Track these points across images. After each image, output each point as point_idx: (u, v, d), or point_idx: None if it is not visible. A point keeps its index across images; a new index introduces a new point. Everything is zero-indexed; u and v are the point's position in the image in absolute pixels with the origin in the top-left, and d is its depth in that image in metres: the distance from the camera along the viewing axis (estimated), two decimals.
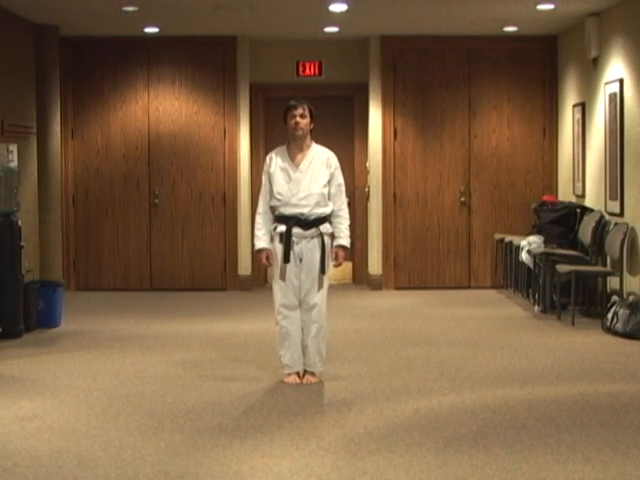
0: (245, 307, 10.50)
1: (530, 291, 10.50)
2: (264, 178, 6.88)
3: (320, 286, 6.73)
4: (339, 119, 12.23)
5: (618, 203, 9.49)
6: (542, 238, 10.36)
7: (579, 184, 10.81)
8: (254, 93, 11.93)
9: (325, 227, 6.77)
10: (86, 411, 6.00)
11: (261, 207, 6.86)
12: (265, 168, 6.88)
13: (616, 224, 9.46)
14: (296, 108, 6.75)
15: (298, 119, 6.73)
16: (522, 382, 6.77)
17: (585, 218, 10.14)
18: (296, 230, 6.69)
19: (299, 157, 6.79)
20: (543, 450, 5.12)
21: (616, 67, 9.67)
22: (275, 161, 6.82)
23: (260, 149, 11.90)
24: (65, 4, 9.77)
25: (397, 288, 11.77)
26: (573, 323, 9.10)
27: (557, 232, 10.36)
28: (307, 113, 6.76)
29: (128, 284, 11.79)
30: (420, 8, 9.97)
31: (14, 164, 9.73)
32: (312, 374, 6.80)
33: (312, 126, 6.82)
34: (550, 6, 9.75)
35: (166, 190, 11.79)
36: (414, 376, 6.99)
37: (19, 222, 8.78)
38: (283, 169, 6.77)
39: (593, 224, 9.74)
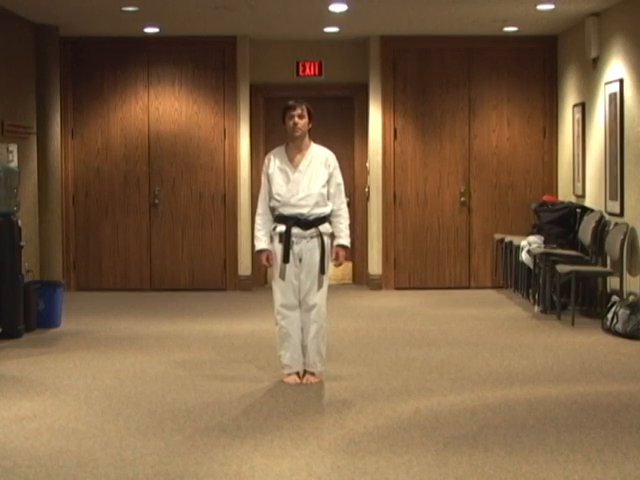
0: (245, 307, 10.50)
1: (530, 291, 10.50)
2: (263, 179, 6.88)
3: (320, 286, 6.73)
4: (339, 119, 12.22)
5: (618, 203, 9.49)
6: (542, 238, 10.36)
7: (579, 184, 10.81)
8: (254, 93, 11.93)
9: (324, 227, 6.76)
10: (86, 411, 6.00)
11: (260, 208, 6.86)
12: (264, 169, 6.88)
13: (616, 224, 9.45)
14: (294, 108, 6.74)
15: (296, 119, 6.72)
16: (522, 382, 6.77)
17: (585, 218, 10.13)
18: (295, 230, 6.69)
19: (298, 157, 6.78)
20: (543, 450, 5.12)
21: (616, 67, 9.67)
22: (274, 162, 6.81)
23: (260, 149, 11.90)
24: (65, 4, 9.77)
25: (397, 288, 11.77)
26: (573, 323, 9.10)
27: (557, 232, 10.36)
28: (305, 113, 6.75)
29: (128, 284, 11.79)
30: (420, 8, 9.97)
31: (14, 164, 9.73)
32: (312, 374, 6.79)
33: (310, 126, 6.81)
34: (550, 6, 9.75)
35: (166, 190, 11.79)
36: (414, 376, 6.99)
37: (19, 222, 8.79)
38: (282, 170, 6.77)
39: (593, 224, 9.74)
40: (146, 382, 6.83)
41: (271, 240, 6.78)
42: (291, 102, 6.79)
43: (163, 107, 11.77)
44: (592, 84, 10.40)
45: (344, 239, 6.83)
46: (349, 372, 7.12)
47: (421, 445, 5.23)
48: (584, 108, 10.65)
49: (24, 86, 10.55)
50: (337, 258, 6.84)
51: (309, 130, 6.81)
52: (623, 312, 8.50)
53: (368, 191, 11.89)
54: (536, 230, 10.67)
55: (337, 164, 6.87)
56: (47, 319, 9.08)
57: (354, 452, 5.12)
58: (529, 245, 10.32)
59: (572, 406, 6.06)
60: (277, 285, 6.78)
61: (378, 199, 11.75)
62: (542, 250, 10.00)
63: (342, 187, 6.87)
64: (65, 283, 10.36)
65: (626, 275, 9.21)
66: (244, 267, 11.82)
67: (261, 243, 6.80)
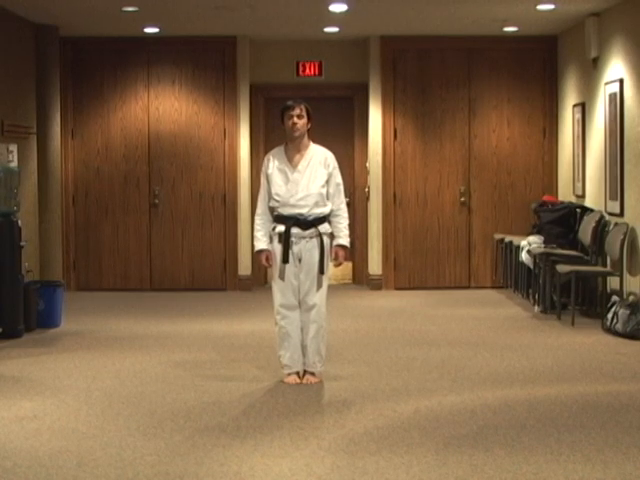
0: (245, 307, 10.50)
1: (530, 291, 10.50)
2: (262, 179, 6.88)
3: (319, 286, 6.73)
4: (339, 119, 12.23)
5: (618, 203, 9.49)
6: (542, 238, 10.36)
7: (579, 184, 10.81)
8: (254, 93, 11.93)
9: (324, 227, 6.76)
10: (86, 411, 6.00)
11: (260, 208, 6.86)
12: (263, 169, 6.88)
13: (616, 224, 9.45)
14: (293, 108, 6.73)
15: (295, 119, 6.71)
16: (522, 382, 6.77)
17: (585, 218, 10.13)
18: (295, 230, 6.69)
19: (297, 157, 6.78)
20: (543, 450, 5.12)
21: (616, 67, 9.67)
22: (273, 162, 6.81)
23: (260, 149, 11.89)
24: (65, 4, 9.77)
25: (397, 288, 11.77)
26: (573, 323, 9.10)
27: (557, 232, 10.36)
28: (304, 113, 6.75)
29: (128, 284, 11.79)
30: (420, 8, 9.97)
31: (14, 164, 9.73)
32: (312, 374, 6.79)
33: (309, 126, 6.80)
34: (550, 6, 9.75)
35: (166, 190, 11.79)
36: (414, 376, 6.99)
37: (19, 222, 8.79)
38: (281, 170, 6.77)
39: (593, 224, 9.74)
40: (146, 382, 6.83)
41: (270, 240, 6.78)
42: (290, 102, 6.79)
43: (163, 107, 11.77)
44: (592, 84, 10.40)
45: (343, 239, 6.83)
46: (349, 372, 7.12)
47: (421, 445, 5.23)
48: (584, 108, 10.65)
49: (24, 86, 10.55)
50: (337, 258, 6.84)
51: (308, 130, 6.80)
52: (623, 312, 8.50)
53: (368, 191, 11.89)
54: (536, 230, 10.67)
55: (336, 164, 6.87)
56: (47, 319, 9.08)
57: (354, 452, 5.12)
58: (529, 245, 10.32)
59: (572, 406, 6.06)
60: (277, 285, 6.78)
61: (378, 199, 11.75)
62: (542, 250, 9.99)
63: (341, 187, 6.87)
64: (65, 283, 10.35)
65: (626, 275, 9.21)
66: (244, 267, 11.82)
67: (260, 243, 6.80)
